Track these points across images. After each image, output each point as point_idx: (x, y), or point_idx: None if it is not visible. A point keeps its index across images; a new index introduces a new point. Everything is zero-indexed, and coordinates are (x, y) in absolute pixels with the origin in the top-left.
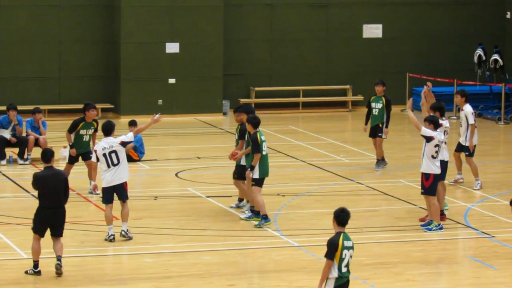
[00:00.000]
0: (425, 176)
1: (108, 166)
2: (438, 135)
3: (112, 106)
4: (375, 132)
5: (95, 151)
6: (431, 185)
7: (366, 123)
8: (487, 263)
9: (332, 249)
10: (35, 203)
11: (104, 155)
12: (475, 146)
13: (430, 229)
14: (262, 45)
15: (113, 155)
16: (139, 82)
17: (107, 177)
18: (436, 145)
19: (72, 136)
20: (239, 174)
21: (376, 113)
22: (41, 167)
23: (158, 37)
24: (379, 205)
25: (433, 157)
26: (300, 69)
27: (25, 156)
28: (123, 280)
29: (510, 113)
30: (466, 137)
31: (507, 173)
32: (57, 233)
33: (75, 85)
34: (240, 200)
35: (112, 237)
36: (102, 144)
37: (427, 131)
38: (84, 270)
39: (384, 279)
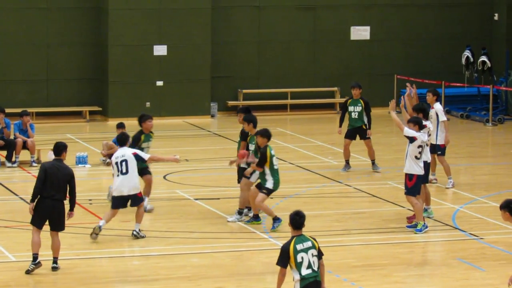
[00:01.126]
0: (409, 177)
1: (118, 174)
2: (421, 135)
3: (100, 109)
4: (354, 134)
5: (111, 160)
6: (413, 185)
7: (340, 125)
8: (476, 265)
9: (283, 256)
10: (23, 206)
11: (116, 163)
12: (445, 145)
13: (420, 230)
14: (250, 47)
15: (123, 163)
16: (127, 85)
17: (115, 184)
18: (420, 146)
19: None
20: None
21: (356, 116)
22: (29, 169)
23: (146, 40)
24: (367, 207)
25: (416, 158)
26: (288, 71)
27: (13, 159)
28: (111, 283)
29: (498, 114)
30: (436, 135)
31: (495, 175)
32: (56, 227)
33: (63, 87)
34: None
35: (98, 229)
36: (116, 153)
37: (409, 131)
38: (73, 273)
39: (372, 281)
